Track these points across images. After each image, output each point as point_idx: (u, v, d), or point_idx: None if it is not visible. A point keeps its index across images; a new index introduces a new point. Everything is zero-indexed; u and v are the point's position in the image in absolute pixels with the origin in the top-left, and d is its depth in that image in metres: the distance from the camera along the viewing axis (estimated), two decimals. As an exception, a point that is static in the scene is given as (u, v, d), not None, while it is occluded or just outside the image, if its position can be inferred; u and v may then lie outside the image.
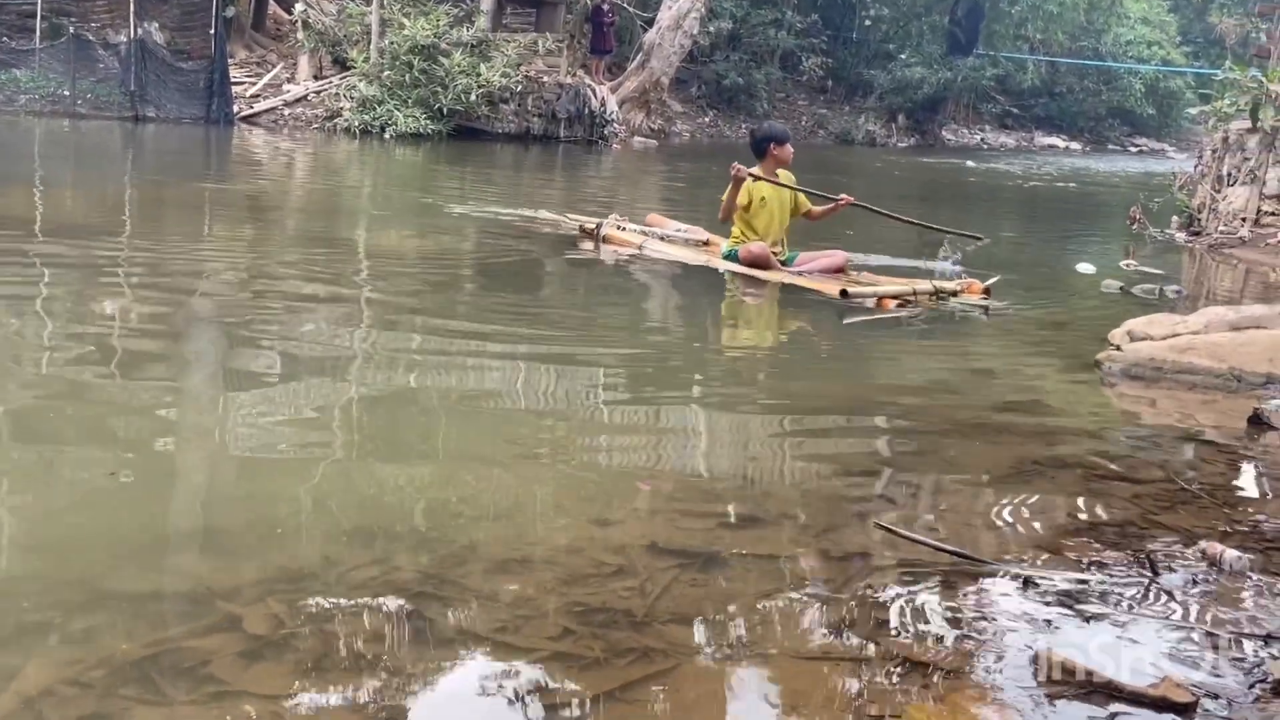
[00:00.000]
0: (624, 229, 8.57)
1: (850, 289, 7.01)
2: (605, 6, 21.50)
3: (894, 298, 7.01)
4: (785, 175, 7.78)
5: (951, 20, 30.33)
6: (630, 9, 23.38)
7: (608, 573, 2.96)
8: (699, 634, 2.70)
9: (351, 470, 3.66)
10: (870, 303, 6.97)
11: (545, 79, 19.14)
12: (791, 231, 7.98)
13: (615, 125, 19.98)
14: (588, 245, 8.49)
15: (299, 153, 15.12)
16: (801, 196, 7.86)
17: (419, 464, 3.79)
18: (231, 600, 2.68)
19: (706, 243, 8.38)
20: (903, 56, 29.18)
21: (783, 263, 7.67)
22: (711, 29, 24.46)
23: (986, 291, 7.29)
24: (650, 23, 22.39)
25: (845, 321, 6.64)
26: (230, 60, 17.91)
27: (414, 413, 4.38)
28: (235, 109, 17.18)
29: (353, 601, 2.72)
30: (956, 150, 28.07)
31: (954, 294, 7.21)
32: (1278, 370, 5.46)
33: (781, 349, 6.38)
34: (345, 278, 7.01)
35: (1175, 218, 12.70)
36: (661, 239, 8.41)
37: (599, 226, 8.58)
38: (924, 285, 7.21)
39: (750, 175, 7.62)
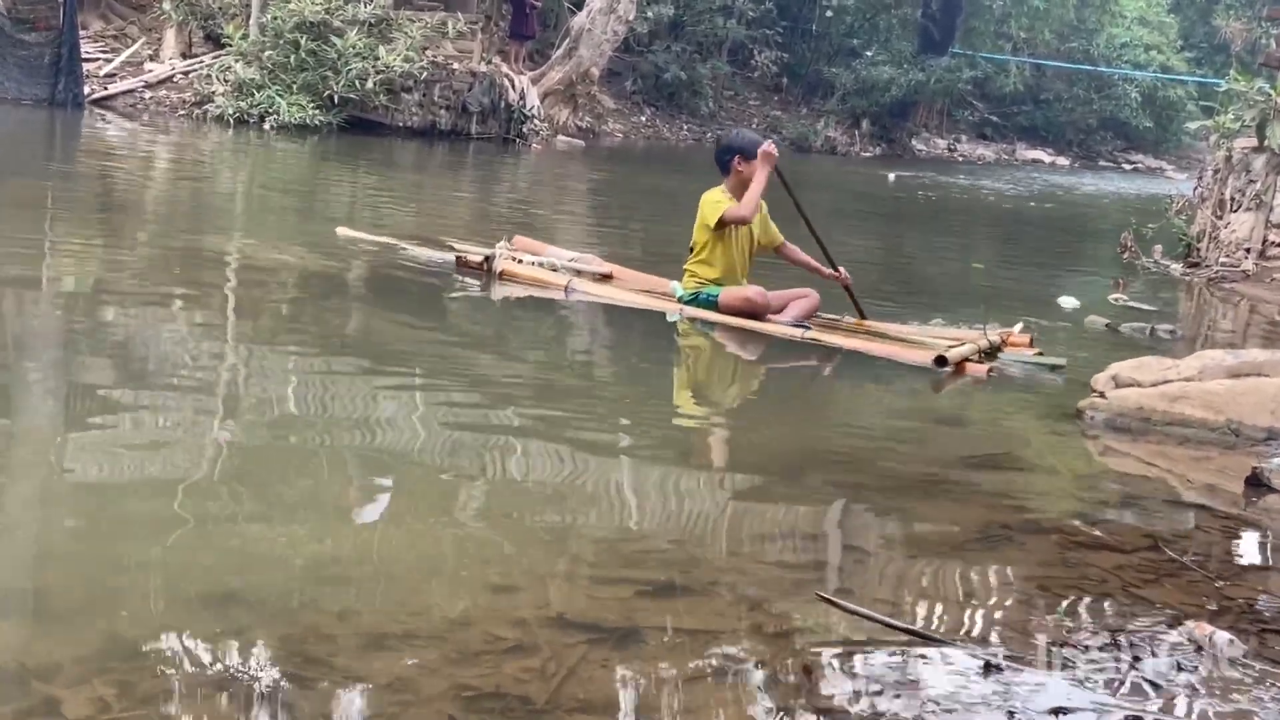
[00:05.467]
0: (520, 260, 7.76)
1: (947, 353, 6.38)
2: (528, -15, 21.60)
3: (974, 360, 6.52)
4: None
5: (924, 14, 30.89)
6: (557, -12, 23.52)
7: (503, 649, 2.94)
8: (608, 724, 2.68)
9: (205, 523, 3.59)
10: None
11: (456, 66, 19.14)
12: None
13: (536, 122, 20.00)
14: (471, 281, 7.68)
15: (160, 144, 14.95)
16: (773, 227, 7.32)
17: (285, 517, 3.73)
18: (50, 680, 2.61)
19: (609, 276, 7.83)
20: (869, 54, 29.68)
21: None
22: (650, 14, 24.65)
23: (1031, 343, 7.08)
24: (579, 5, 22.48)
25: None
26: (83, 33, 17.67)
27: (282, 458, 4.32)
28: (87, 90, 16.95)
29: (196, 681, 2.66)
30: (928, 162, 28.50)
31: (998, 348, 6.85)
32: (1280, 424, 5.59)
33: (719, 394, 6.40)
34: (207, 299, 6.92)
35: (1161, 246, 12.99)
36: (554, 269, 7.66)
37: (488, 259, 7.70)
38: (978, 340, 6.81)
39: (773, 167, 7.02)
